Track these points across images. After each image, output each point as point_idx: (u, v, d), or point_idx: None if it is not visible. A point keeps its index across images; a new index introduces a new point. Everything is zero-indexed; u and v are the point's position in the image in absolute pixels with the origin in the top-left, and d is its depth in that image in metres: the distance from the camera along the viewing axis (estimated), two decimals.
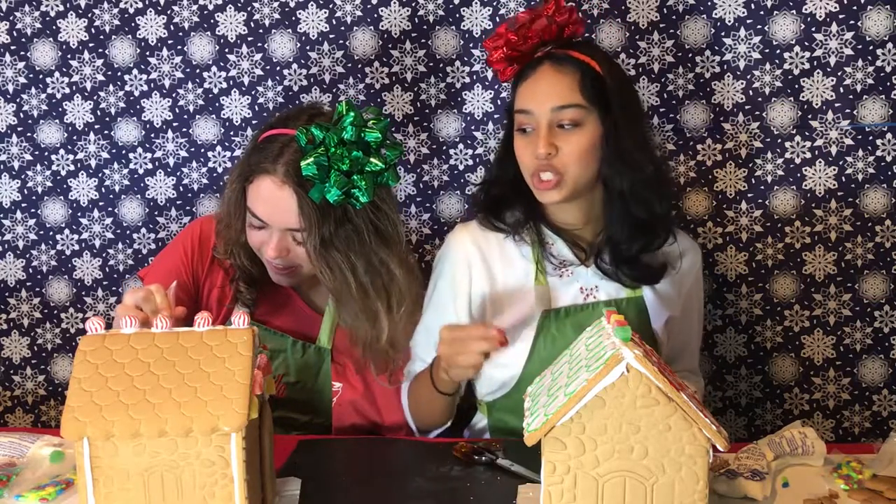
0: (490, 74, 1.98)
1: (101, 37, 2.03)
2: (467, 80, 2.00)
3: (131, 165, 2.07)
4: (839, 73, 1.93)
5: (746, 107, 1.96)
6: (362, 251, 1.56)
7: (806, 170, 1.97)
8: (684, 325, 1.74)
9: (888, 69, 1.93)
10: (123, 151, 2.07)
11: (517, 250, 1.65)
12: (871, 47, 1.92)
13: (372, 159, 1.51)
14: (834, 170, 1.97)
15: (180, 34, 2.02)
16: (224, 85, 2.03)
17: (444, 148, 2.03)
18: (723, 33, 1.94)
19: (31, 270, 2.11)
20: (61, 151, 2.07)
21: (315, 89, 2.02)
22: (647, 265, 1.64)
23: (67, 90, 2.05)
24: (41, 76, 2.05)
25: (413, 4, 1.98)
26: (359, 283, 1.57)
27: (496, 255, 1.65)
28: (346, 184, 1.49)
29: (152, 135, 2.06)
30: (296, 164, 1.50)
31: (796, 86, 1.95)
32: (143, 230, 2.08)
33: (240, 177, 1.59)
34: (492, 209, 1.66)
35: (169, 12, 2.01)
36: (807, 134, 1.96)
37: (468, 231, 1.67)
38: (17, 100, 2.06)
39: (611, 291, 1.65)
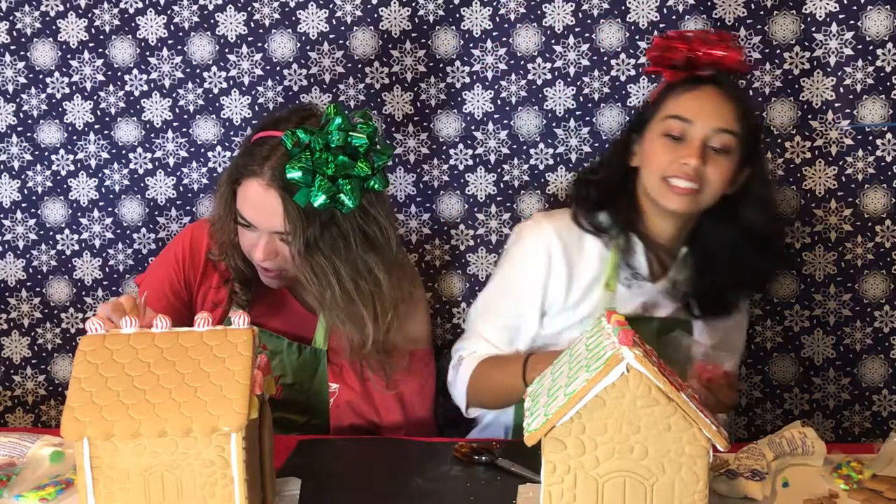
0: (490, 74, 1.98)
1: (101, 37, 2.03)
2: (467, 80, 2.00)
3: (131, 165, 2.07)
4: (839, 73, 1.93)
5: None
6: (348, 256, 1.55)
7: (806, 170, 1.97)
8: (723, 353, 1.76)
9: (888, 69, 1.93)
10: (123, 151, 2.06)
11: (597, 251, 1.68)
12: (871, 47, 1.92)
13: (359, 164, 1.50)
14: (834, 170, 1.97)
15: (180, 34, 2.02)
16: (224, 85, 2.03)
17: (444, 148, 2.03)
18: None
19: (31, 270, 2.11)
20: (61, 151, 2.07)
21: (315, 89, 2.02)
22: (732, 304, 1.72)
23: (67, 90, 2.05)
24: (41, 76, 2.05)
25: (413, 4, 1.98)
26: (343, 288, 1.56)
27: (577, 251, 1.68)
28: (331, 189, 1.48)
29: (152, 135, 2.06)
30: (282, 167, 1.49)
31: (796, 86, 1.95)
32: (143, 230, 2.08)
33: (229, 178, 1.59)
34: (589, 207, 1.69)
35: (169, 12, 2.01)
36: (807, 134, 1.96)
37: (553, 222, 1.70)
38: (17, 100, 2.06)
39: (669, 311, 1.70)
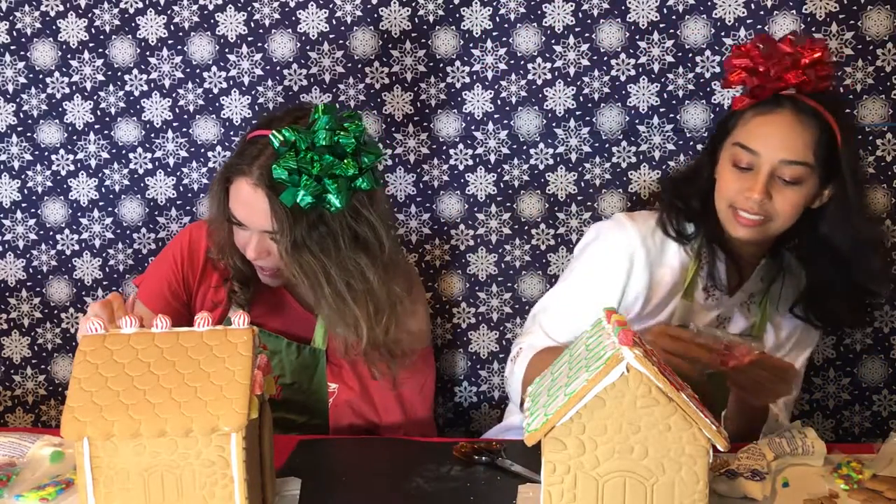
0: (490, 74, 1.98)
1: (101, 37, 2.03)
2: (467, 80, 2.00)
3: (131, 165, 2.07)
4: (838, 73, 1.93)
5: None
6: (338, 256, 1.54)
7: None
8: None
9: (888, 69, 1.93)
10: (123, 151, 2.06)
11: (678, 260, 1.64)
12: (871, 47, 1.92)
13: (345, 163, 1.49)
14: None
15: (180, 34, 2.02)
16: (224, 85, 2.03)
17: (444, 148, 2.03)
18: (723, 33, 1.94)
19: (31, 270, 2.11)
20: (61, 151, 2.07)
21: (315, 89, 2.02)
22: (845, 316, 1.71)
23: (67, 90, 2.05)
24: (41, 76, 2.05)
25: (413, 4, 1.98)
26: (333, 288, 1.55)
27: (659, 259, 1.64)
28: (317, 188, 1.48)
29: (152, 135, 2.06)
30: (270, 167, 1.50)
31: None
32: (143, 230, 2.08)
33: (221, 178, 1.59)
34: (680, 215, 1.64)
35: (169, 12, 2.01)
36: None
37: (638, 227, 1.64)
38: (17, 100, 2.06)
39: (741, 326, 1.68)
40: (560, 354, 1.61)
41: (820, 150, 1.51)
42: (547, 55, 1.97)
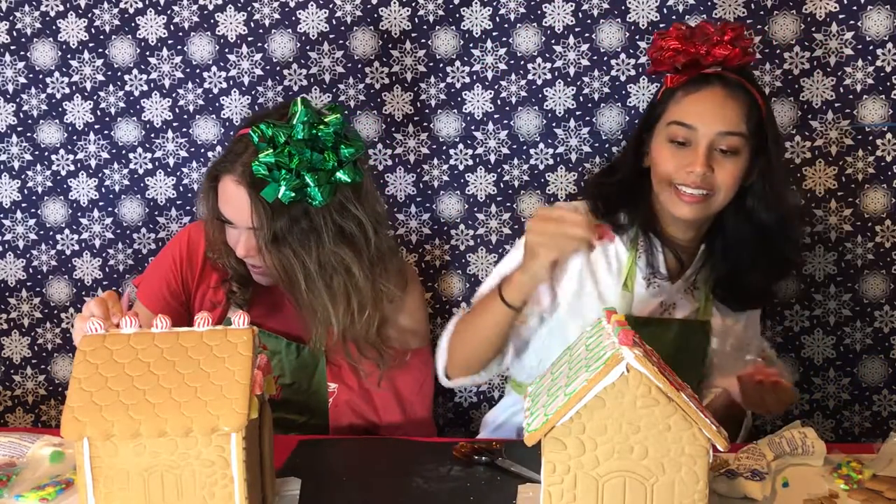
0: (490, 74, 1.98)
1: (101, 37, 2.03)
2: (467, 80, 2.00)
3: (131, 165, 2.07)
4: (839, 73, 1.93)
5: None
6: (319, 252, 1.54)
7: (806, 170, 1.97)
8: (737, 353, 1.74)
9: (888, 69, 1.93)
10: (123, 151, 2.07)
11: (615, 250, 1.65)
12: (871, 47, 1.92)
13: (324, 157, 1.49)
14: (834, 170, 1.97)
15: (180, 34, 2.02)
16: (224, 85, 2.03)
17: (444, 148, 2.03)
18: None
19: (31, 270, 2.11)
20: (61, 151, 2.07)
21: (315, 89, 2.02)
22: (764, 293, 1.72)
23: (67, 90, 2.05)
24: (41, 76, 2.05)
25: (413, 4, 1.98)
26: (310, 284, 1.55)
27: (596, 250, 1.62)
28: (296, 182, 1.48)
29: (152, 135, 2.06)
30: (252, 163, 1.50)
31: (796, 86, 1.95)
32: (143, 230, 2.09)
33: (209, 177, 1.60)
34: (606, 207, 1.65)
35: (169, 12, 2.01)
36: (807, 134, 1.96)
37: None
38: (17, 100, 2.06)
39: (686, 312, 1.68)
40: (478, 301, 1.61)
41: (750, 121, 1.55)
42: (547, 55, 1.97)
